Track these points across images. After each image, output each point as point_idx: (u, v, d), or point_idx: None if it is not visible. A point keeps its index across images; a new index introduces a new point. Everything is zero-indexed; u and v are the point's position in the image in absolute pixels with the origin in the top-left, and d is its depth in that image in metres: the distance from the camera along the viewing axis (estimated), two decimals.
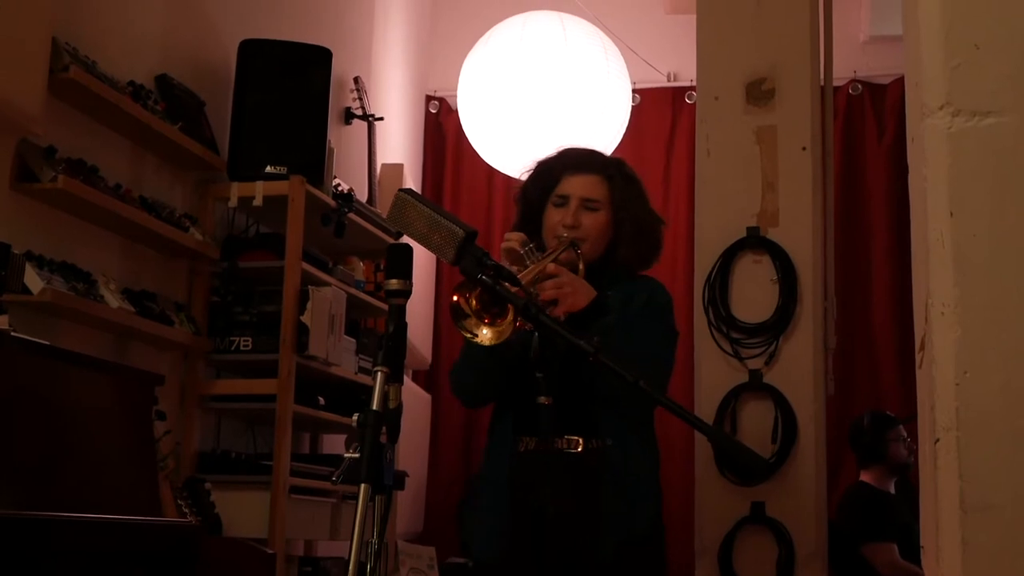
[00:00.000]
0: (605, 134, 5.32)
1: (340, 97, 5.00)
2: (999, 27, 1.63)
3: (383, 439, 1.82)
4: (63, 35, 3.19)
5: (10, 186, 3.09)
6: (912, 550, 4.72)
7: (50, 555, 2.39)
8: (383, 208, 4.78)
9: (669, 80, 6.33)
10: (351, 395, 4.26)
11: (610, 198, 2.77)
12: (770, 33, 3.86)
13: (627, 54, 5.67)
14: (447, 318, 6.22)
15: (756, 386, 3.69)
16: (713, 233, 3.79)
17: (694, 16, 4.02)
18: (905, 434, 5.04)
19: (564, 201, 2.77)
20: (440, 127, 6.52)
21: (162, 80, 3.77)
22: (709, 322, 3.75)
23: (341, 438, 4.72)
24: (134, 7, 3.70)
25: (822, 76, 3.99)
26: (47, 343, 2.72)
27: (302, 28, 4.61)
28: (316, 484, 3.98)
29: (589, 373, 2.51)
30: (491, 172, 6.02)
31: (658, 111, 6.28)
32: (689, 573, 3.71)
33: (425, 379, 6.19)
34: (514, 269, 2.47)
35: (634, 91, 5.86)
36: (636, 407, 2.65)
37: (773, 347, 3.70)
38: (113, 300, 3.29)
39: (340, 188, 4.28)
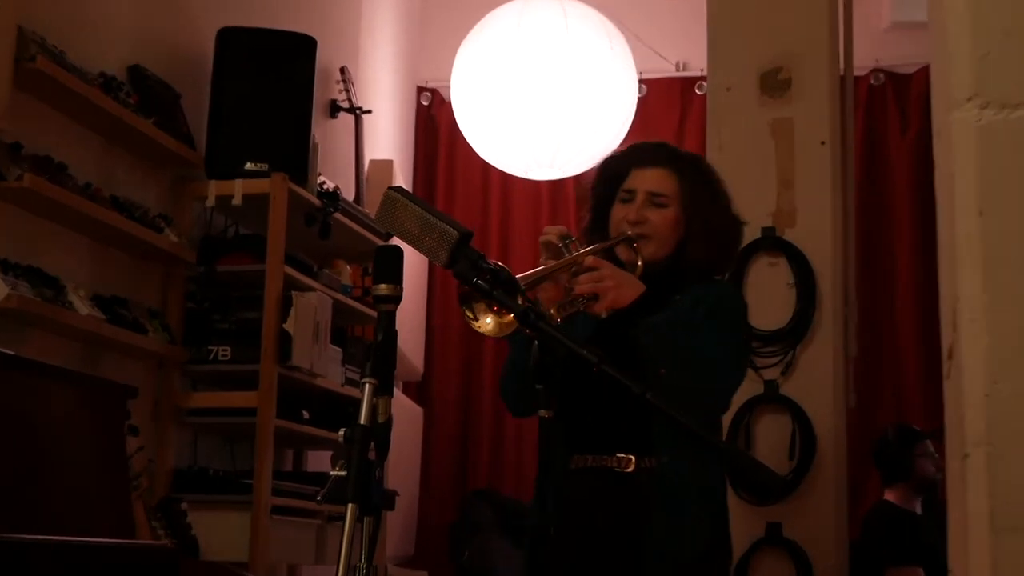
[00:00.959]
0: (609, 128, 5.33)
1: (325, 89, 5.01)
2: None
3: (372, 456, 1.82)
4: (29, 23, 3.19)
5: None
6: (939, 573, 4.72)
7: None
8: (371, 208, 4.78)
9: (678, 70, 6.35)
10: (337, 408, 4.27)
11: (680, 194, 2.74)
12: (786, 19, 3.88)
13: (633, 41, 5.68)
14: (440, 325, 6.27)
15: (772, 398, 3.70)
16: None
17: (704, 1, 4.03)
18: (932, 449, 5.04)
19: (631, 196, 2.75)
20: (432, 120, 6.53)
21: (135, 71, 3.78)
22: None
23: (326, 455, 4.73)
24: None
25: (841, 65, 4.00)
26: (12, 352, 2.72)
27: (284, 15, 4.61)
28: (300, 504, 3.98)
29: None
30: (487, 168, 6.02)
31: (666, 103, 6.30)
32: None
33: (416, 391, 6.19)
34: (549, 264, 2.53)
35: (640, 81, 5.86)
36: (695, 418, 2.64)
37: (790, 356, 3.71)
38: (82, 307, 3.30)
39: (325, 186, 4.29)
